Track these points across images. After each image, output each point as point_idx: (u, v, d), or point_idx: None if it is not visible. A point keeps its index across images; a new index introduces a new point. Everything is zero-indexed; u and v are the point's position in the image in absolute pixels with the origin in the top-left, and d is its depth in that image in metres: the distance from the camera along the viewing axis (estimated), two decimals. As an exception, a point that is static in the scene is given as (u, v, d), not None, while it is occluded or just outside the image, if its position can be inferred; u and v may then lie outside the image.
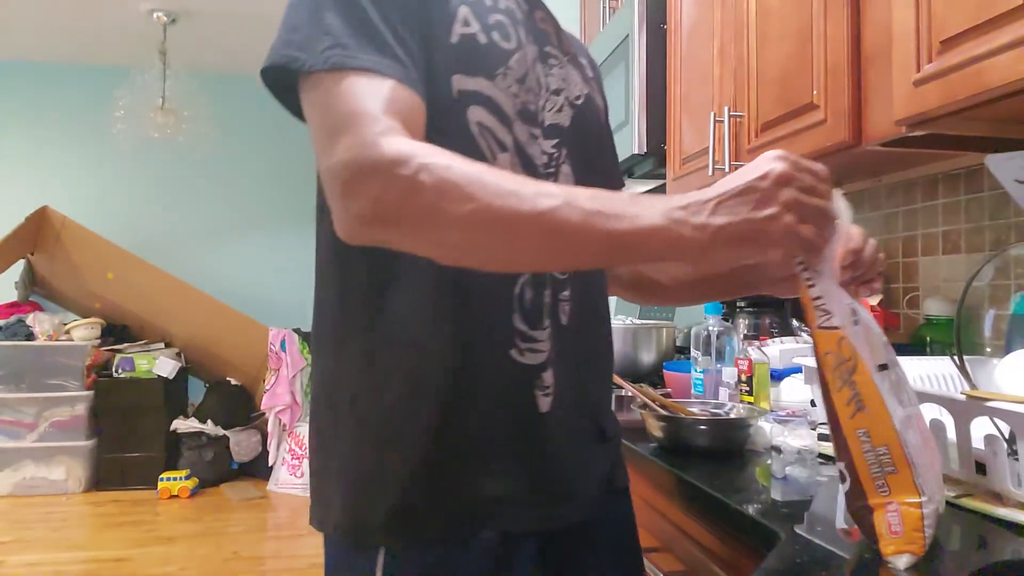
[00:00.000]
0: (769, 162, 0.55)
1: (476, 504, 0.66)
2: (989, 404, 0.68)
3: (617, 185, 0.89)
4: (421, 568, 0.65)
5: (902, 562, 0.55)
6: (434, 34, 0.66)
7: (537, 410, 0.69)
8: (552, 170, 0.73)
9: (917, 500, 0.55)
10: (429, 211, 0.54)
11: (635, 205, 0.54)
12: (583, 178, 0.74)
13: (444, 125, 0.65)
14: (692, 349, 1.29)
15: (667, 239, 0.54)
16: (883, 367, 0.58)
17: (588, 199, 0.54)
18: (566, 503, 0.71)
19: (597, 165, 0.81)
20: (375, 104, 0.58)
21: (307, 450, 0.76)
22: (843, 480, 0.58)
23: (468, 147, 0.66)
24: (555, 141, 0.74)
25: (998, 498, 0.70)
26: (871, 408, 0.56)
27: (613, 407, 0.95)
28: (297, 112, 0.65)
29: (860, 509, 0.57)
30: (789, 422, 0.97)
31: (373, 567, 0.65)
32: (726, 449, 0.96)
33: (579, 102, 0.79)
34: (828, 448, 0.93)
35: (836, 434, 0.57)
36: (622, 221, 0.54)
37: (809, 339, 1.24)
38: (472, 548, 0.66)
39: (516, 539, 0.68)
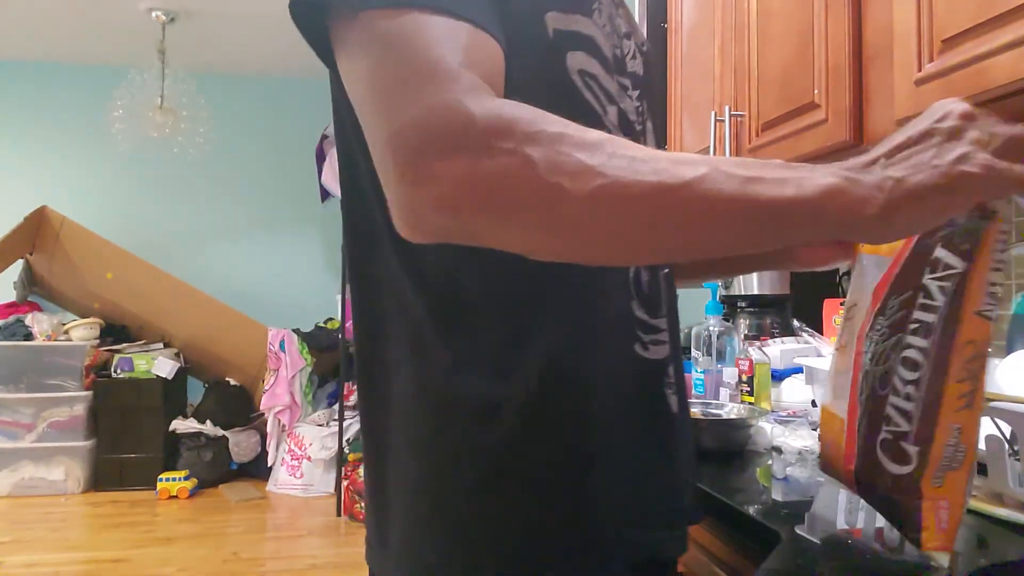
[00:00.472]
0: (944, 105, 0.44)
1: (619, 530, 0.55)
2: (990, 404, 0.68)
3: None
4: None
5: (944, 560, 0.54)
6: None
7: (670, 410, 0.60)
8: (640, 128, 0.62)
9: (965, 501, 0.53)
10: (544, 192, 0.41)
11: (793, 169, 0.42)
12: (661, 139, 0.64)
13: (541, 75, 0.53)
14: (693, 349, 1.28)
15: (844, 204, 0.41)
16: None
17: (737, 165, 0.42)
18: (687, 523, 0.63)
19: (661, 105, 0.71)
20: (452, 53, 0.44)
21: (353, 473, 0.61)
22: (903, 462, 0.53)
23: (573, 102, 0.54)
24: (638, 92, 0.63)
25: (999, 498, 0.70)
26: (976, 408, 0.53)
27: None
28: (333, 62, 0.50)
29: (909, 495, 0.53)
30: (790, 422, 0.97)
31: None
32: (727, 450, 0.96)
33: (645, 48, 0.68)
34: (829, 448, 0.93)
35: (928, 420, 0.51)
36: (786, 186, 0.41)
37: (811, 339, 1.24)
38: None
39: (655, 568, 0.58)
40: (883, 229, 0.42)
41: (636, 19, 1.75)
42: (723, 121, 1.40)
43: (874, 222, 0.41)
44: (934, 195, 0.41)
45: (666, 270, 0.63)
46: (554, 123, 0.43)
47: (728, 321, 1.33)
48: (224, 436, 3.95)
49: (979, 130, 0.43)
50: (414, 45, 0.44)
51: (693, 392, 1.27)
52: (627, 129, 0.60)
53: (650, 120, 0.66)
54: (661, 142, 0.60)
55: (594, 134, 0.43)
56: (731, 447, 0.96)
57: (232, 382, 4.19)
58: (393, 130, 0.42)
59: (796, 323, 1.31)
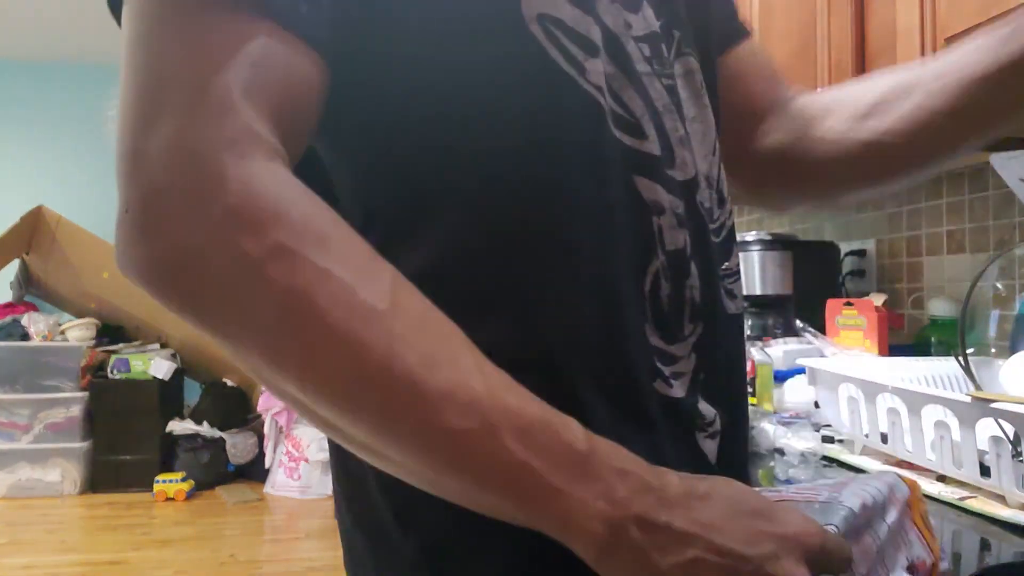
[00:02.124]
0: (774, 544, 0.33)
1: None
2: (994, 405, 0.67)
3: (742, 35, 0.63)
4: None
5: None
6: None
7: (707, 461, 0.45)
8: (669, 72, 0.46)
9: None
10: (263, 325, 0.32)
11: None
12: (706, 70, 0.49)
13: (489, 32, 0.39)
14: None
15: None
16: None
17: (518, 431, 0.32)
18: None
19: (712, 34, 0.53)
20: (236, 72, 0.33)
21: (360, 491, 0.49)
22: None
23: (532, 63, 0.40)
24: (663, 20, 0.46)
25: (1002, 500, 0.69)
26: None
27: None
28: None
29: None
30: (793, 424, 0.96)
31: None
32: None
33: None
34: (832, 450, 0.92)
35: None
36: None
37: (813, 340, 1.23)
38: None
39: None
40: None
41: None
42: (724, 121, 1.39)
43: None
44: None
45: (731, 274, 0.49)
46: (329, 245, 0.32)
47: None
48: (221, 438, 3.94)
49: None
50: (184, 54, 0.34)
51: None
52: (635, 83, 0.43)
53: (691, 56, 0.47)
54: (706, 75, 0.47)
55: (379, 279, 0.33)
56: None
57: (229, 383, 4.18)
58: (128, 159, 0.34)
59: (799, 324, 1.30)
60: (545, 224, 0.40)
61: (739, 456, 0.49)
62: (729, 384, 0.49)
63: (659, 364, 0.43)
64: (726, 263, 0.49)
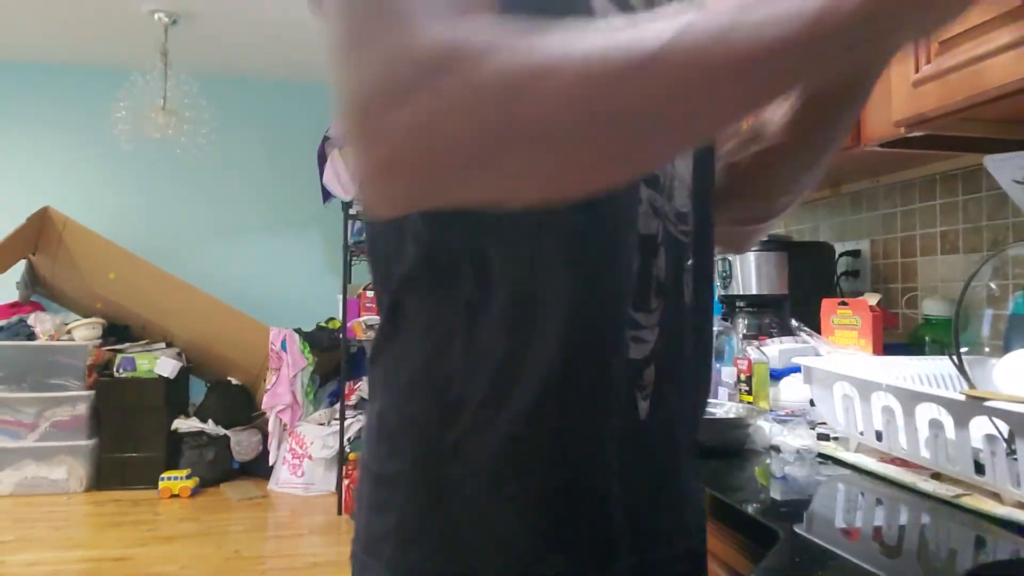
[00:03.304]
0: None
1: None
2: (988, 404, 0.68)
3: None
4: None
5: None
6: None
7: (638, 417, 0.51)
8: None
9: None
10: (502, 120, 0.34)
11: (753, 7, 0.32)
12: None
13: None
14: (692, 349, 1.29)
15: (833, 26, 0.31)
16: None
17: (701, 17, 0.33)
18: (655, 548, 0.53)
19: None
20: None
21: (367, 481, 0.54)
22: None
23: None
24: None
25: (997, 498, 0.70)
26: None
27: None
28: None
29: None
30: (788, 421, 0.98)
31: None
32: (725, 449, 0.96)
33: None
34: (827, 447, 0.94)
35: None
36: (764, 27, 0.31)
37: (809, 339, 1.24)
38: None
39: None
40: (884, 44, 0.33)
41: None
42: (723, 122, 1.40)
43: (875, 40, 0.32)
44: None
45: (688, 260, 0.54)
46: (507, 35, 0.34)
47: (726, 321, 1.34)
48: (226, 435, 3.96)
49: None
50: None
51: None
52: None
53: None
54: None
55: (548, 34, 0.34)
56: (730, 446, 0.96)
57: (234, 381, 4.19)
58: (348, 90, 0.35)
59: (794, 323, 1.31)
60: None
61: (673, 426, 0.54)
62: (696, 372, 0.56)
63: (629, 328, 0.50)
64: (689, 262, 0.54)
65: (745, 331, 1.42)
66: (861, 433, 0.89)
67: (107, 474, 3.84)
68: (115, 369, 3.91)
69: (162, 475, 3.74)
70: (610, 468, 0.50)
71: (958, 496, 0.71)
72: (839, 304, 1.23)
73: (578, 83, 0.33)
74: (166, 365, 3.93)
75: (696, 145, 0.45)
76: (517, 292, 0.47)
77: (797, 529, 0.65)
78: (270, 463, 3.90)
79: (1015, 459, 0.67)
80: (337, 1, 0.37)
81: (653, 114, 0.34)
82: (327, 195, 4.00)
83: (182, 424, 3.95)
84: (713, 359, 0.62)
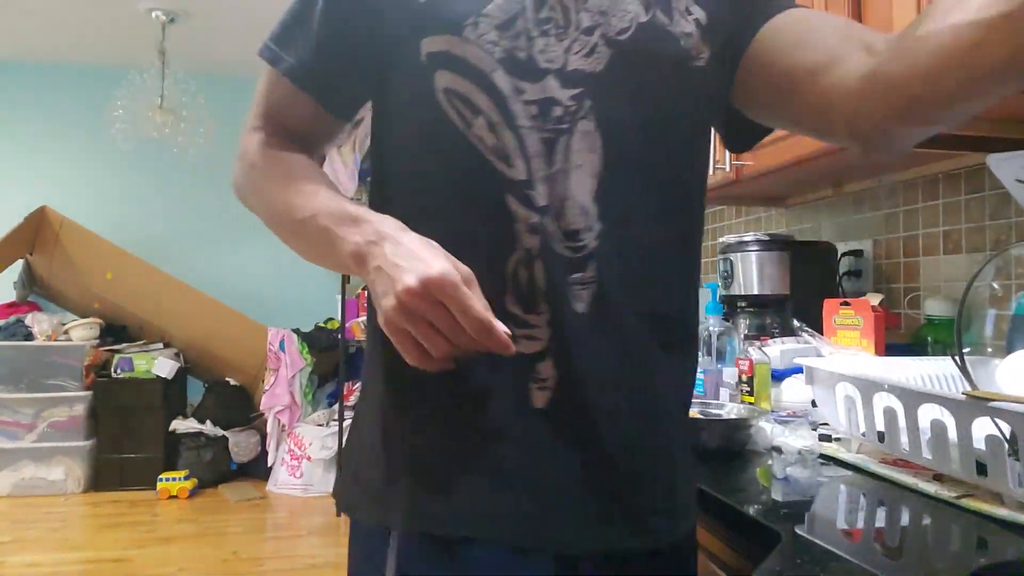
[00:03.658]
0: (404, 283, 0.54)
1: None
2: (990, 404, 0.68)
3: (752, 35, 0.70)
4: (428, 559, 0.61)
5: None
6: None
7: (531, 405, 0.60)
8: (563, 127, 0.62)
9: None
10: (248, 197, 0.74)
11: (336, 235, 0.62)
12: (621, 131, 0.63)
13: (411, 95, 0.64)
14: (692, 349, 1.28)
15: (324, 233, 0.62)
16: None
17: (325, 214, 0.63)
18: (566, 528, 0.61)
19: (672, 100, 0.65)
20: (259, 100, 0.71)
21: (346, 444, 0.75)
22: None
23: (436, 117, 0.62)
24: (577, 91, 0.62)
25: (999, 498, 0.70)
26: None
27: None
28: None
29: None
30: (790, 422, 0.97)
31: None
32: (726, 449, 0.96)
33: (624, 36, 0.64)
34: (829, 448, 0.93)
35: None
36: (323, 242, 0.63)
37: (811, 340, 1.24)
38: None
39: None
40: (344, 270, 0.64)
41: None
42: (723, 121, 1.40)
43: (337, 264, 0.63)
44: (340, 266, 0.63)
45: (582, 275, 0.62)
46: (261, 156, 0.71)
47: (728, 321, 1.33)
48: (224, 436, 3.95)
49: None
50: (258, 89, 0.71)
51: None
52: (513, 130, 0.62)
53: (591, 118, 0.62)
54: (611, 135, 0.63)
55: (276, 169, 0.70)
56: (731, 447, 0.96)
57: (232, 382, 4.19)
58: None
59: (796, 323, 1.31)
60: (448, 213, 0.64)
61: (585, 418, 0.62)
62: (621, 372, 0.63)
63: (513, 325, 0.59)
64: (579, 274, 0.62)
65: (746, 331, 1.42)
66: (863, 434, 0.88)
67: (105, 475, 3.84)
68: (113, 369, 3.90)
69: (160, 476, 3.73)
70: (505, 440, 0.61)
71: (960, 497, 0.71)
72: (841, 304, 1.23)
73: (265, 213, 0.71)
74: (164, 365, 3.93)
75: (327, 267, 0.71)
76: None
77: (799, 530, 0.65)
78: (268, 464, 3.89)
79: (1017, 460, 0.67)
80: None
81: (297, 246, 0.69)
82: (326, 195, 3.99)
83: (180, 425, 3.94)
84: (662, 363, 0.66)
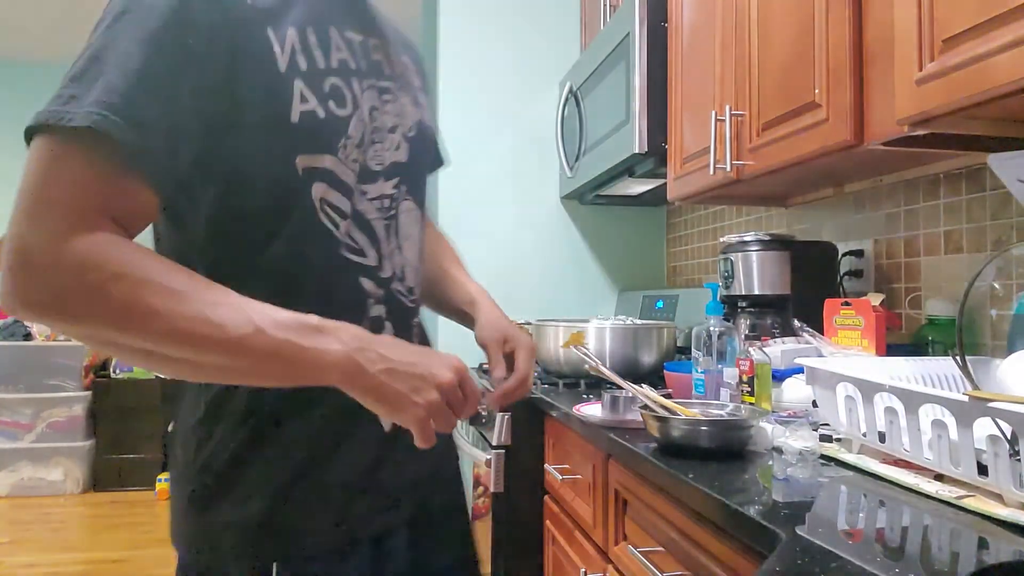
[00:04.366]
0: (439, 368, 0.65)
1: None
2: (991, 405, 0.68)
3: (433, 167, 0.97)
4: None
5: None
6: (273, 112, 0.67)
7: (382, 428, 0.71)
8: (393, 212, 0.79)
9: None
10: (114, 322, 0.57)
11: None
12: (424, 200, 0.87)
13: (289, 203, 0.70)
14: (693, 349, 1.28)
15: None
16: None
17: (273, 325, 0.61)
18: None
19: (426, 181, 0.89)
20: (79, 190, 0.58)
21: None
22: None
23: (311, 221, 0.71)
24: (396, 180, 0.80)
25: (1000, 499, 0.69)
26: None
27: (610, 408, 1.18)
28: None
29: None
30: (791, 423, 0.97)
31: None
32: (727, 450, 0.95)
33: (412, 134, 0.83)
34: (830, 449, 0.93)
35: None
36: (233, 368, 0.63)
37: (811, 340, 1.24)
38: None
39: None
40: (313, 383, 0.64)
41: (636, 19, 1.75)
42: (723, 120, 1.40)
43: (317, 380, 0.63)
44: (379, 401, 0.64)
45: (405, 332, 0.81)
46: (140, 266, 0.58)
47: (728, 321, 1.33)
48: (224, 436, 3.95)
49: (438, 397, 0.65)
50: (60, 171, 0.59)
51: (693, 392, 1.27)
52: (366, 229, 0.77)
53: (410, 198, 0.83)
54: (422, 206, 0.87)
55: (172, 277, 0.59)
56: (732, 447, 0.96)
57: (232, 382, 4.18)
58: (17, 236, 0.57)
59: (797, 323, 1.31)
60: (309, 299, 0.68)
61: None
62: None
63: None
64: (416, 318, 0.85)
65: (747, 332, 1.42)
66: (864, 434, 0.88)
67: (104, 475, 3.83)
68: (111, 370, 3.90)
69: (159, 476, 3.73)
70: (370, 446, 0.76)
71: (961, 498, 0.71)
72: (842, 304, 1.23)
73: (154, 335, 0.59)
74: (164, 366, 3.93)
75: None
76: None
77: (799, 531, 0.65)
78: (268, 464, 3.89)
79: (1018, 460, 0.67)
80: (33, 164, 0.61)
81: (229, 365, 0.62)
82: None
83: (180, 425, 3.94)
84: None
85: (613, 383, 1.10)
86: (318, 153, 0.70)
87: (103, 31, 0.61)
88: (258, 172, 0.67)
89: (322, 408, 0.72)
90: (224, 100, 0.64)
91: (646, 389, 1.08)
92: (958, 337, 0.83)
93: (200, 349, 0.58)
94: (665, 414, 1.02)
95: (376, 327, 0.76)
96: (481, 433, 1.73)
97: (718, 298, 1.29)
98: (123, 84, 0.58)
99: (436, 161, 0.96)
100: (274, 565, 0.69)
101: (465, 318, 0.98)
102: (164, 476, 3.72)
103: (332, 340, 0.61)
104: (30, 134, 0.62)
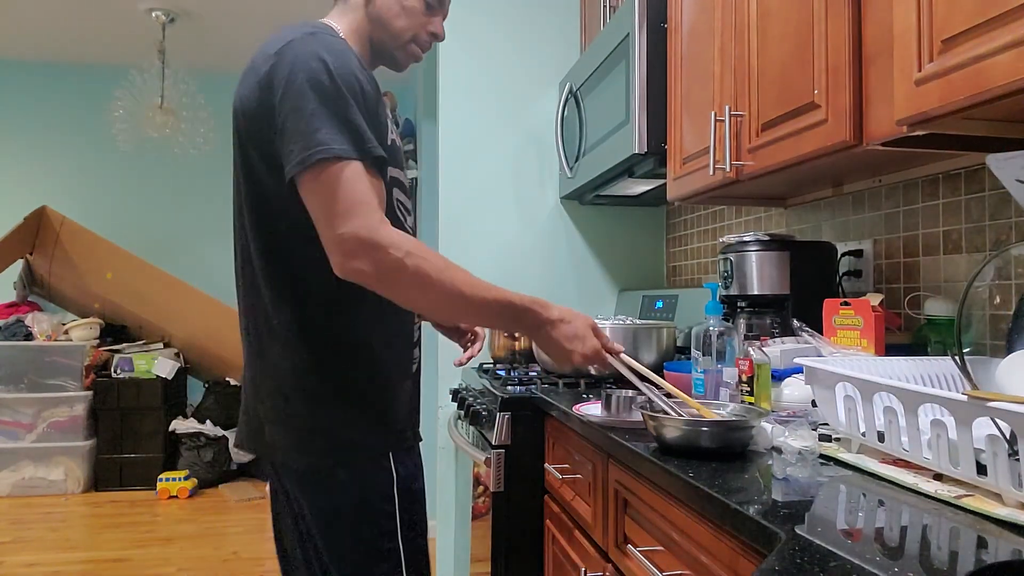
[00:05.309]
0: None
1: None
2: (990, 404, 0.68)
3: None
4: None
5: None
6: (383, 139, 1.03)
7: (419, 389, 1.20)
8: (412, 219, 1.19)
9: None
10: (407, 283, 0.95)
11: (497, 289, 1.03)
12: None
13: (385, 203, 1.02)
14: (693, 349, 1.28)
15: (518, 312, 1.04)
16: None
17: (484, 287, 1.01)
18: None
19: None
20: (373, 196, 0.95)
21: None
22: None
23: (392, 215, 1.06)
24: (410, 201, 1.20)
25: (999, 499, 0.70)
26: None
27: (610, 408, 1.24)
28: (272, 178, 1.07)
29: None
30: (790, 423, 0.97)
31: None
32: (727, 450, 0.96)
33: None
34: (829, 448, 0.93)
35: None
36: (502, 293, 1.03)
37: (811, 340, 1.24)
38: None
39: None
40: (522, 333, 1.26)
41: (636, 19, 1.76)
42: (723, 121, 1.40)
43: (523, 330, 1.08)
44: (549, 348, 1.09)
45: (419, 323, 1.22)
46: (422, 249, 0.95)
47: (728, 321, 1.33)
48: (224, 436, 3.95)
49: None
50: (355, 186, 0.94)
51: (693, 392, 1.27)
52: (413, 225, 1.20)
53: (411, 213, 1.19)
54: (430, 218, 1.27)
55: (440, 261, 0.98)
56: (731, 447, 0.96)
57: (232, 382, 4.19)
58: (342, 232, 0.93)
59: (796, 323, 1.31)
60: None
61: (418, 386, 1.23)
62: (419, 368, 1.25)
63: (415, 353, 1.18)
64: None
65: (746, 331, 1.42)
66: (863, 434, 0.89)
67: (105, 475, 3.84)
68: (113, 369, 3.91)
69: (160, 476, 3.73)
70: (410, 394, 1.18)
71: (960, 497, 0.71)
72: (841, 304, 1.23)
73: (452, 288, 0.98)
74: (164, 365, 3.93)
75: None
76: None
77: (799, 530, 0.65)
78: (268, 464, 3.89)
79: (1017, 460, 0.67)
80: (328, 184, 0.95)
81: (462, 314, 1.05)
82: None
83: (180, 425, 3.94)
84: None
85: (648, 384, 1.11)
86: (397, 167, 1.11)
87: (331, 105, 0.96)
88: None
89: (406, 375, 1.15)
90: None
91: (659, 381, 1.12)
92: (957, 337, 0.84)
93: (463, 299, 0.98)
94: (663, 414, 1.02)
95: (417, 343, 1.21)
96: (481, 432, 1.74)
97: (717, 298, 1.29)
98: (363, 130, 0.98)
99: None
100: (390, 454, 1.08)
101: None
102: (165, 475, 3.73)
103: (553, 311, 1.06)
104: (307, 164, 0.94)
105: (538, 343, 1.06)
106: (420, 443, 1.16)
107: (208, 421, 3.98)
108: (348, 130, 0.94)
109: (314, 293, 1.04)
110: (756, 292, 1.43)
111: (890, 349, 1.17)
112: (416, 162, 3.73)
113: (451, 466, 2.48)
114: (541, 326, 1.04)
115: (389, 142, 1.05)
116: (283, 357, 1.04)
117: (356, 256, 0.91)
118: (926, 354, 1.19)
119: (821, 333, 1.26)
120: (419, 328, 1.20)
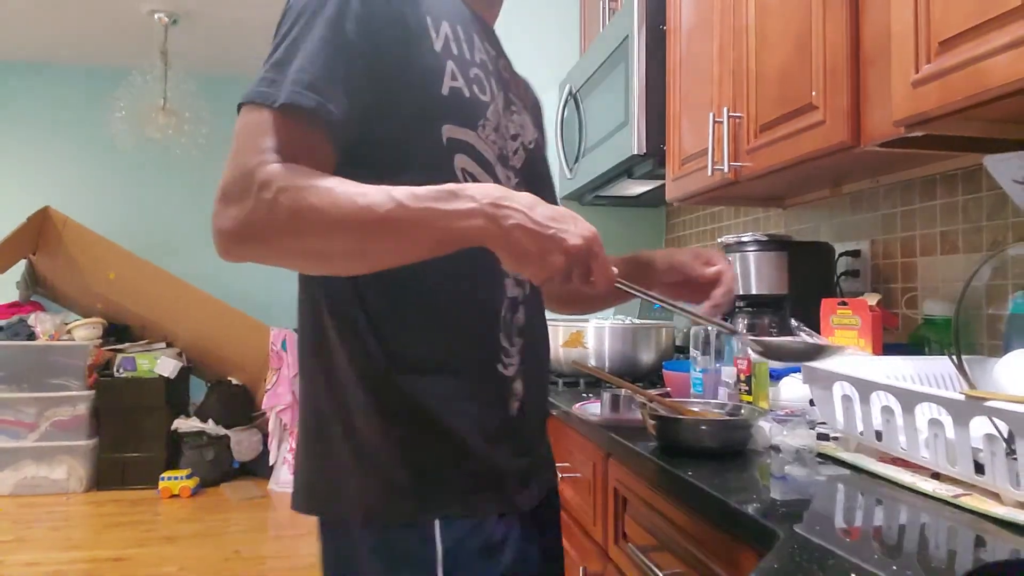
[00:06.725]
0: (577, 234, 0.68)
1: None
2: (988, 404, 0.68)
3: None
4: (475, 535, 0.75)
5: None
6: (425, 84, 0.74)
7: (508, 412, 0.80)
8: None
9: None
10: (286, 228, 0.64)
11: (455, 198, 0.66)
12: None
13: (434, 168, 0.74)
14: (691, 349, 1.29)
15: (465, 199, 0.65)
16: None
17: (412, 197, 0.65)
18: (526, 491, 0.82)
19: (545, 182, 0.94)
20: (261, 136, 0.67)
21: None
22: None
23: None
24: (516, 181, 0.85)
25: (997, 498, 0.70)
26: None
27: (610, 407, 1.20)
28: None
29: None
30: (788, 421, 0.98)
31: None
32: (725, 449, 0.96)
33: (531, 146, 0.89)
34: (827, 447, 0.94)
35: None
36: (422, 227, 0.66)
37: (808, 339, 1.24)
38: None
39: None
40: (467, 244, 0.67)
41: (635, 21, 1.76)
42: (721, 122, 1.40)
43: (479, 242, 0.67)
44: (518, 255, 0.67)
45: (523, 314, 0.83)
46: (305, 177, 0.65)
47: (726, 320, 1.33)
48: (226, 435, 3.96)
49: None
50: (248, 129, 0.69)
51: (692, 391, 1.28)
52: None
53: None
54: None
55: (330, 181, 0.65)
56: (730, 446, 0.96)
57: (234, 381, 4.19)
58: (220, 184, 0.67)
59: (794, 322, 1.31)
60: (451, 272, 0.76)
61: (535, 412, 0.86)
62: (540, 374, 0.88)
63: (502, 356, 0.80)
64: (538, 314, 0.87)
65: (745, 331, 1.42)
66: (861, 433, 0.89)
67: (107, 474, 3.85)
68: (115, 369, 3.91)
69: (162, 475, 3.74)
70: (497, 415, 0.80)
71: (958, 496, 0.72)
72: (839, 304, 1.23)
73: (321, 228, 0.65)
74: (166, 365, 3.93)
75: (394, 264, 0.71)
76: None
77: (797, 529, 0.65)
78: (270, 463, 3.90)
79: (1015, 459, 0.67)
80: (239, 123, 0.71)
81: (379, 247, 0.67)
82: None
83: (182, 424, 3.95)
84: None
85: (611, 383, 1.11)
86: (462, 126, 0.76)
87: (301, 26, 0.71)
88: (410, 138, 0.74)
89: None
90: (388, 75, 0.72)
91: (645, 391, 1.09)
92: (954, 337, 0.84)
93: (359, 234, 0.65)
94: (663, 414, 1.02)
95: (512, 309, 0.82)
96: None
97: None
98: (310, 69, 0.68)
99: (545, 189, 0.90)
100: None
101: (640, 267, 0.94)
102: (167, 474, 3.74)
103: (467, 200, 0.65)
104: (238, 107, 0.71)
105: (505, 239, 0.65)
106: None
107: (210, 420, 3.99)
108: (283, 63, 0.69)
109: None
110: (754, 292, 1.43)
111: (887, 349, 1.18)
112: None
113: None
114: (506, 211, 0.65)
115: (447, 90, 0.74)
116: None
117: (219, 212, 0.65)
118: (923, 354, 1.20)
119: (819, 333, 1.26)
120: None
